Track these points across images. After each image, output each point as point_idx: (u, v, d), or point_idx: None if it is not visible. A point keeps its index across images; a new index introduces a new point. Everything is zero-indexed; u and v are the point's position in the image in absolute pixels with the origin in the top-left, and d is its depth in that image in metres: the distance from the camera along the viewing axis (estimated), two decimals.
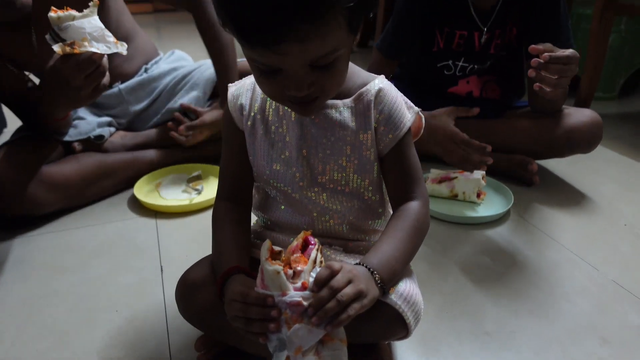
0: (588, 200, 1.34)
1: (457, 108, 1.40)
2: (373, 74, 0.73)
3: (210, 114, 1.45)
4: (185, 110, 1.46)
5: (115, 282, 1.01)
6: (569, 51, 1.08)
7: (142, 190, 1.34)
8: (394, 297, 0.66)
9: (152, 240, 1.15)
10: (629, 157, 1.63)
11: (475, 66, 1.44)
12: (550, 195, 1.36)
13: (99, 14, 1.03)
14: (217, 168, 1.22)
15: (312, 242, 0.61)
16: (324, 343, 0.59)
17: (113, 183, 1.35)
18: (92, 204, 1.31)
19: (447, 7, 1.38)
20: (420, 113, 0.74)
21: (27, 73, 1.26)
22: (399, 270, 0.66)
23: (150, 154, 1.44)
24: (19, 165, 1.17)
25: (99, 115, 1.44)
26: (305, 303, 0.57)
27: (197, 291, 0.72)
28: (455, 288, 0.98)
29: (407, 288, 0.68)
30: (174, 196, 1.33)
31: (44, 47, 1.01)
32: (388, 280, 0.64)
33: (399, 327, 0.67)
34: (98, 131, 1.37)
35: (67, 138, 1.33)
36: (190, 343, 0.83)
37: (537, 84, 1.09)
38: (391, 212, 0.75)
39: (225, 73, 1.40)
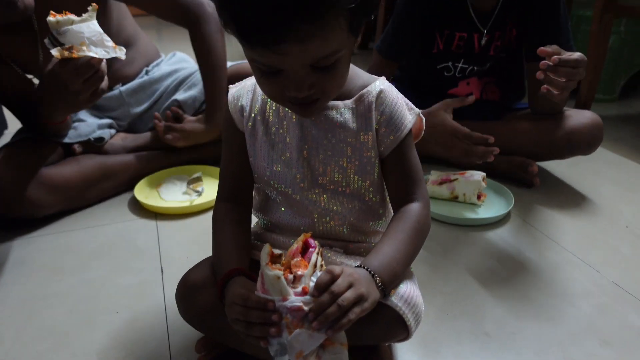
0: (588, 201, 1.34)
1: (451, 100, 1.37)
2: (374, 76, 0.73)
3: (192, 124, 1.42)
4: (173, 113, 1.44)
5: (115, 284, 1.01)
6: (577, 54, 1.08)
7: (143, 192, 1.34)
8: (395, 299, 0.66)
9: (153, 242, 1.15)
10: (630, 158, 1.63)
11: (475, 68, 1.44)
12: (551, 196, 1.36)
13: (100, 19, 1.03)
14: (217, 170, 1.21)
15: (313, 245, 0.61)
16: (324, 347, 0.58)
17: (113, 185, 1.35)
18: (92, 206, 1.31)
19: (447, 9, 1.38)
20: (421, 114, 0.74)
21: (30, 77, 1.26)
22: (399, 272, 0.66)
23: (151, 155, 1.44)
24: (19, 167, 1.17)
25: (100, 117, 1.44)
26: (306, 308, 0.56)
27: (197, 293, 0.72)
28: (455, 289, 0.98)
29: (407, 290, 0.67)
30: (174, 198, 1.33)
31: (47, 49, 1.01)
32: (389, 283, 0.64)
33: (400, 329, 0.67)
34: (98, 133, 1.37)
35: (67, 140, 1.33)
36: (190, 345, 0.82)
37: (545, 86, 1.09)
38: (392, 213, 0.75)
39: (212, 92, 1.39)
